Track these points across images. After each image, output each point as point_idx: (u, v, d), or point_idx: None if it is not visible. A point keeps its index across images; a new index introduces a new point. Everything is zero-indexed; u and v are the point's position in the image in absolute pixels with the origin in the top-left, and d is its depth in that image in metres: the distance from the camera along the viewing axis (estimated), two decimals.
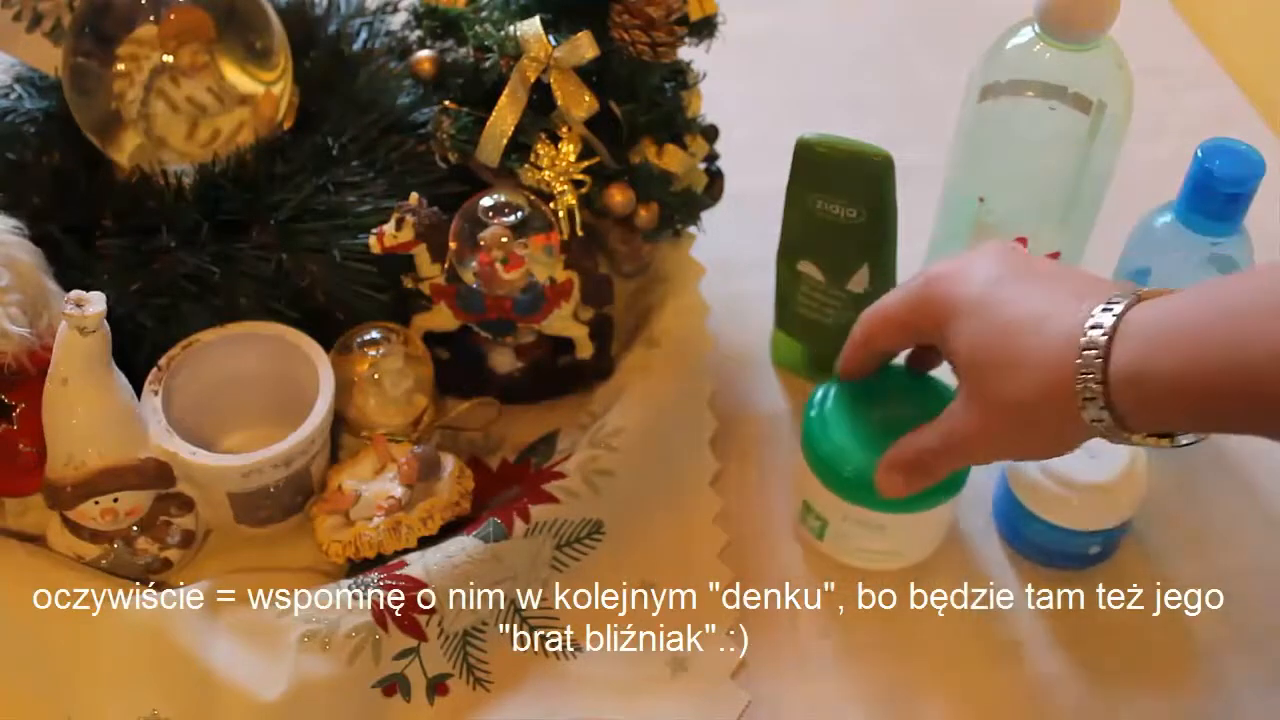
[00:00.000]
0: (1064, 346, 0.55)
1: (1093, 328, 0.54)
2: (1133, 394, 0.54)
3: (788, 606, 0.72)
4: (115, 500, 0.67)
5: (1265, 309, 0.51)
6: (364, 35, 0.85)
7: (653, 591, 0.72)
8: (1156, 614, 0.72)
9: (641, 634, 0.70)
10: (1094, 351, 0.54)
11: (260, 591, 0.68)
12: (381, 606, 0.66)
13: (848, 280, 0.76)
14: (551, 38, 0.72)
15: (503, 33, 0.73)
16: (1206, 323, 0.52)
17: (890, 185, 0.72)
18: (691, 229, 0.82)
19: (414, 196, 0.73)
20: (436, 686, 0.67)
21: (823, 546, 0.73)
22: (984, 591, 0.73)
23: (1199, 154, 0.70)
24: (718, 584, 0.72)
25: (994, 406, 0.59)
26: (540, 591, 0.71)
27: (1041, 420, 0.57)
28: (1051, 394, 0.56)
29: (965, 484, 0.71)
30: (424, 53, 0.78)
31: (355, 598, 0.66)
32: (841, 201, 0.73)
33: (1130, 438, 0.56)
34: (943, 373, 0.76)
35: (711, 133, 0.80)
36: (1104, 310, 0.55)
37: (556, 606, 0.71)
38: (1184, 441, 0.58)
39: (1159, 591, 0.73)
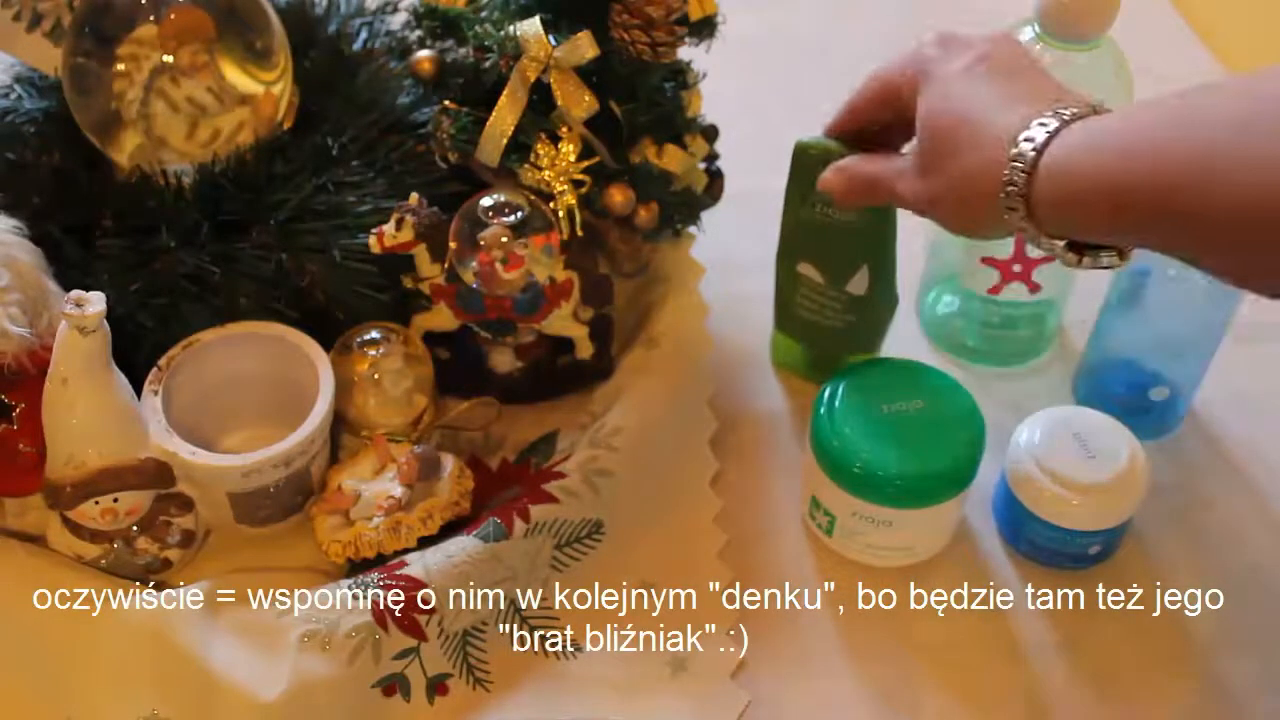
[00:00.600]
0: (1005, 138, 0.57)
1: (1039, 124, 0.56)
2: (1050, 188, 0.55)
3: (788, 606, 0.72)
4: (115, 500, 0.67)
5: (1187, 121, 0.52)
6: (364, 35, 0.85)
7: (653, 591, 0.72)
8: (1156, 614, 0.72)
9: (641, 634, 0.70)
10: (1030, 145, 0.56)
11: (260, 591, 0.68)
12: (381, 606, 0.66)
13: (847, 282, 0.76)
14: (551, 38, 0.72)
15: (503, 33, 0.73)
16: (1133, 130, 0.54)
17: None
18: (691, 229, 0.82)
19: (414, 196, 0.73)
20: (436, 686, 0.67)
21: (831, 542, 0.73)
22: (984, 591, 0.73)
23: None
24: (718, 584, 0.72)
25: (937, 174, 0.61)
26: (540, 591, 0.71)
27: (970, 199, 0.60)
28: (982, 176, 0.58)
29: (973, 480, 0.71)
30: (424, 53, 0.78)
31: (355, 598, 0.66)
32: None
33: (1045, 241, 0.57)
34: (944, 363, 0.76)
35: (711, 133, 0.80)
36: (1055, 114, 0.56)
37: (556, 606, 0.71)
38: (1103, 262, 0.58)
39: (1159, 591, 0.73)
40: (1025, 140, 0.56)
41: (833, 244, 0.75)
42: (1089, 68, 0.72)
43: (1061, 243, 0.58)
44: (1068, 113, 0.56)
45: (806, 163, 0.73)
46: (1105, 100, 0.72)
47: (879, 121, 0.69)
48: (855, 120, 0.69)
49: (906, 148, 0.69)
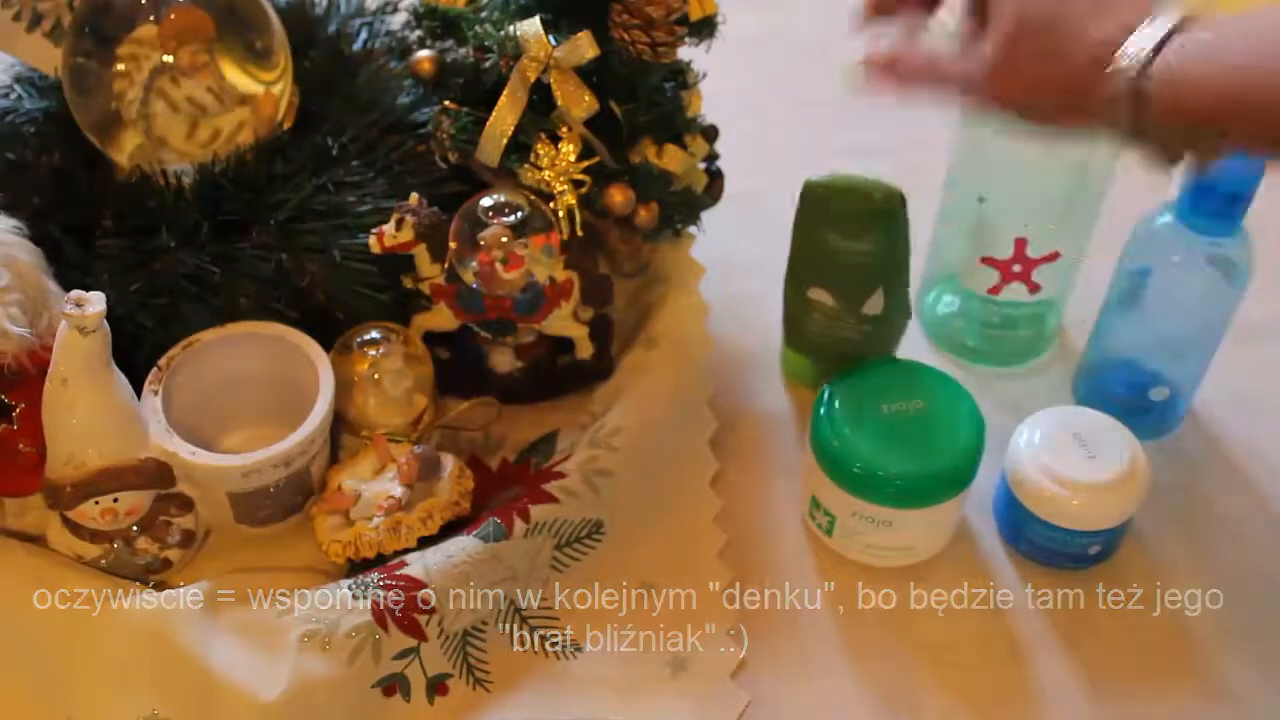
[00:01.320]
0: (1108, 43, 0.55)
1: (1140, 33, 0.55)
2: (1165, 95, 0.54)
3: (788, 606, 0.72)
4: (115, 500, 0.67)
5: None
6: (364, 35, 0.85)
7: (653, 592, 0.72)
8: (1156, 614, 0.72)
9: (641, 634, 0.70)
10: (1137, 48, 0.55)
11: (260, 591, 0.68)
12: (381, 606, 0.66)
13: (862, 305, 0.75)
14: (551, 38, 0.72)
15: (503, 33, 0.73)
16: (1253, 36, 0.53)
17: (902, 220, 0.72)
18: (691, 229, 0.82)
19: (414, 196, 0.73)
20: (436, 686, 0.67)
21: (831, 542, 0.73)
22: (984, 591, 0.73)
23: None
24: (718, 584, 0.72)
25: (1028, 70, 0.58)
26: (540, 591, 0.71)
27: (1068, 105, 0.58)
28: (1084, 80, 0.56)
29: (974, 480, 0.71)
30: (424, 53, 0.78)
31: (355, 598, 0.66)
32: (853, 238, 0.73)
33: (1142, 135, 0.56)
34: (944, 363, 0.76)
35: (711, 133, 0.80)
36: (1156, 22, 0.55)
37: (556, 606, 0.71)
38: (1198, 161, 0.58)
39: (1159, 591, 0.73)
40: (1132, 44, 0.55)
41: (847, 271, 0.75)
42: None
43: (1155, 150, 0.57)
44: (1170, 20, 0.55)
45: (817, 199, 0.73)
46: None
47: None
48: None
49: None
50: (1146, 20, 0.56)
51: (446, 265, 0.74)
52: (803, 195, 0.73)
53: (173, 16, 0.74)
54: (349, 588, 0.67)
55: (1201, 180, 0.70)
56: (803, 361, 0.81)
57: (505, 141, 0.73)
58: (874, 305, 0.75)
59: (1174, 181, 0.72)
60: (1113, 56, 0.55)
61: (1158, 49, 0.55)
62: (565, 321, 0.76)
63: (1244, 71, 0.53)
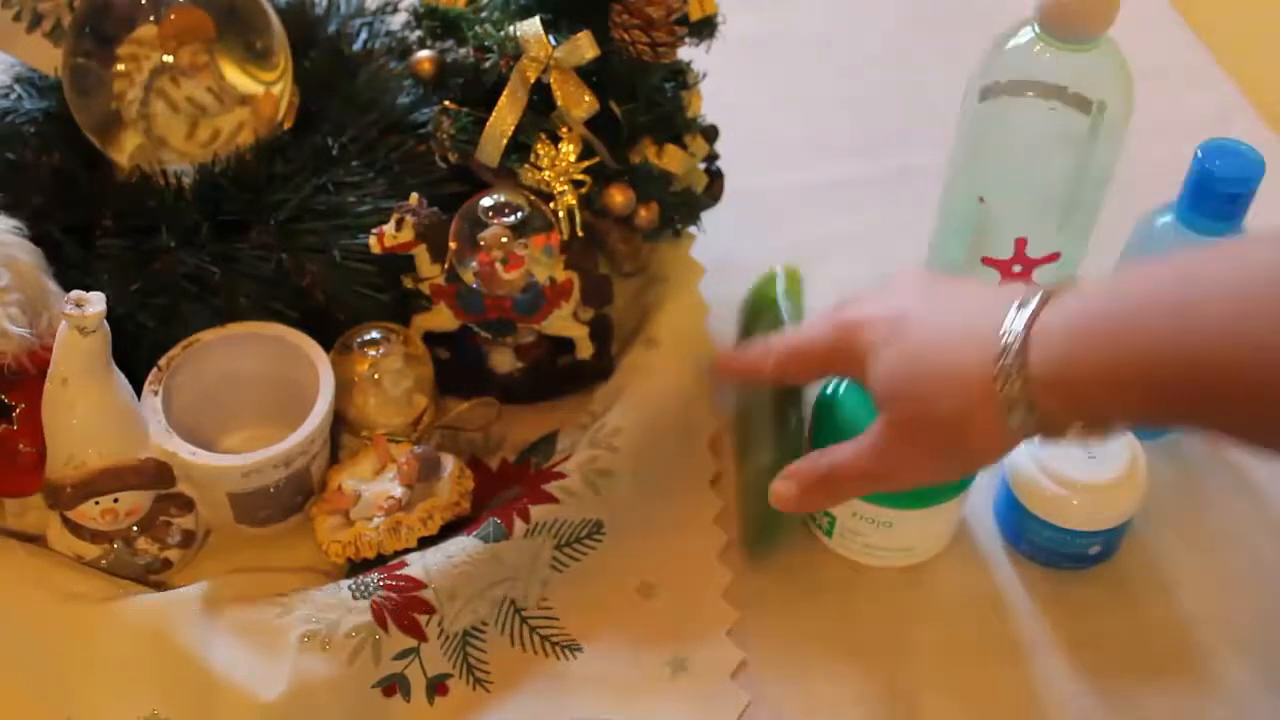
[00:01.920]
0: (981, 359, 0.55)
1: (1005, 334, 0.54)
2: (1061, 392, 0.53)
3: (788, 607, 0.72)
4: (115, 500, 0.67)
5: (1201, 292, 0.50)
6: (364, 35, 0.85)
7: (653, 592, 0.72)
8: (1156, 614, 0.72)
9: (641, 634, 0.70)
10: (1009, 359, 0.54)
11: (260, 591, 0.68)
12: (381, 606, 0.66)
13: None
14: (551, 38, 0.72)
15: (503, 33, 0.73)
16: (1134, 310, 0.52)
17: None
18: (691, 229, 0.82)
19: (414, 196, 0.73)
20: (436, 686, 0.67)
21: (831, 543, 0.73)
22: (984, 591, 0.73)
23: (1199, 154, 0.70)
24: (718, 584, 0.72)
25: (918, 431, 0.59)
26: (540, 591, 0.71)
27: (967, 437, 0.57)
28: (975, 409, 0.55)
29: (974, 480, 0.71)
30: (424, 53, 0.78)
31: (355, 598, 0.66)
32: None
33: (1062, 437, 0.55)
34: None
35: (711, 133, 0.80)
36: (1016, 313, 0.54)
37: (556, 607, 0.71)
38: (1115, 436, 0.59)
39: (1159, 592, 0.73)
40: (1005, 371, 0.54)
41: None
42: (1089, 68, 0.72)
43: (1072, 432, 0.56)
44: (1026, 314, 0.54)
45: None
46: (1105, 100, 0.72)
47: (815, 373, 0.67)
48: (774, 377, 0.68)
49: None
50: (999, 329, 0.54)
51: (446, 265, 0.74)
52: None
53: (173, 16, 0.74)
54: (349, 588, 0.67)
55: (1201, 180, 0.70)
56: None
57: (505, 141, 0.73)
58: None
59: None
60: (990, 384, 0.54)
61: (1024, 363, 0.53)
62: (565, 321, 0.76)
63: (1110, 361, 0.52)
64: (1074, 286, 0.55)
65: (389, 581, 0.67)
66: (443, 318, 0.76)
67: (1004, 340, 0.54)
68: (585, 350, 0.78)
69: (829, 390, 0.72)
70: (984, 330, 0.55)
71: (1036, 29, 0.71)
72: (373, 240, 0.72)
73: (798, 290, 0.75)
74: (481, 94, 0.74)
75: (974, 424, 0.56)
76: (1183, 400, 0.51)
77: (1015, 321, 0.54)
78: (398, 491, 0.70)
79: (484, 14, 0.75)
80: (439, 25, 0.78)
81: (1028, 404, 0.54)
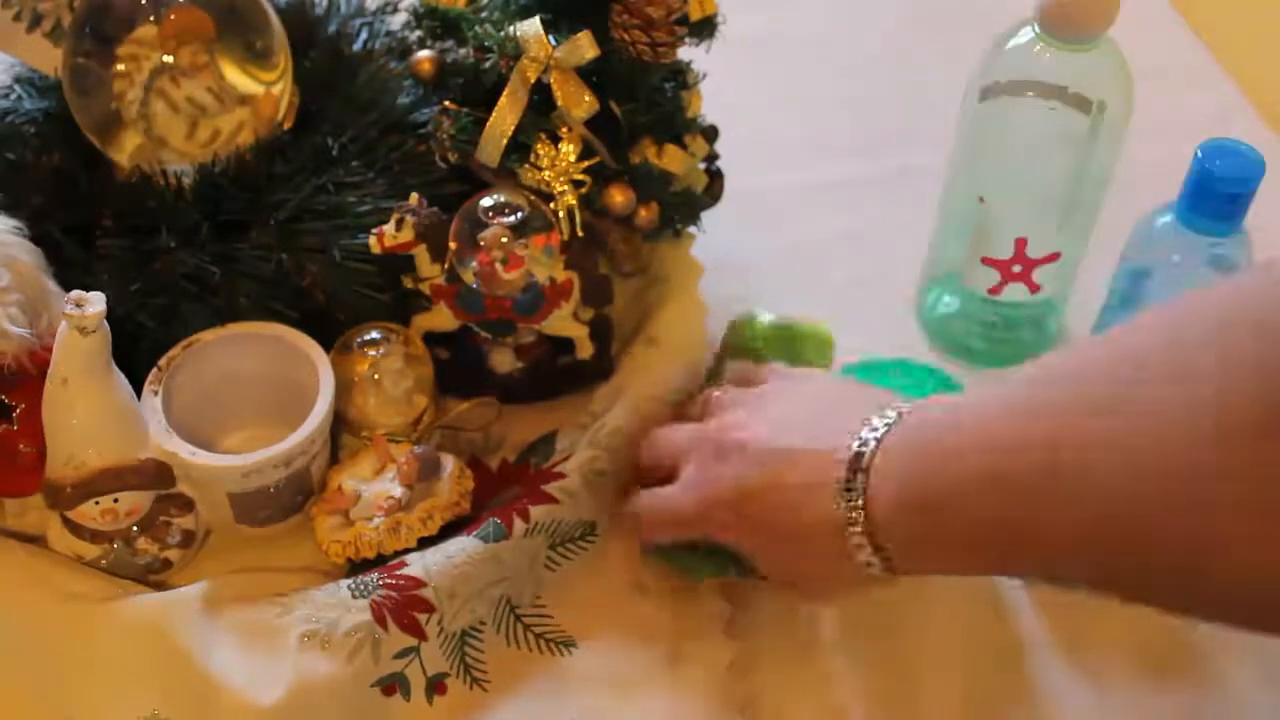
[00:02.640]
0: (829, 512, 0.59)
1: (847, 487, 0.58)
2: (898, 534, 0.58)
3: (783, 601, 0.72)
4: (115, 500, 0.67)
5: (954, 448, 0.55)
6: (364, 35, 0.85)
7: (647, 588, 0.72)
8: (1156, 614, 0.72)
9: (637, 630, 0.70)
10: (853, 508, 0.58)
11: (260, 591, 0.68)
12: (381, 606, 0.66)
13: None
14: (551, 38, 0.72)
15: (503, 33, 0.73)
16: (927, 457, 0.56)
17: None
18: (691, 229, 0.82)
19: (414, 196, 0.73)
20: (435, 686, 0.67)
21: None
22: (984, 591, 0.73)
23: (1199, 154, 0.70)
24: (711, 580, 0.72)
25: (784, 577, 0.65)
26: (536, 590, 0.71)
27: (824, 581, 0.64)
28: (830, 560, 0.60)
29: None
30: (424, 53, 0.78)
31: (355, 597, 0.66)
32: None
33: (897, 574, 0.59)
34: (944, 363, 0.76)
35: (711, 133, 0.80)
36: (853, 458, 0.58)
37: (550, 605, 0.71)
38: None
39: None
40: (850, 522, 0.58)
41: None
42: (1089, 68, 0.72)
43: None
44: (859, 466, 0.58)
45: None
46: (1105, 100, 0.72)
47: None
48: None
49: None
50: (841, 479, 0.58)
51: (446, 265, 0.74)
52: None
53: (173, 16, 0.74)
54: (349, 588, 0.67)
55: (1201, 180, 0.70)
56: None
57: (505, 141, 0.73)
58: None
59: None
60: (841, 536, 0.58)
61: (864, 504, 0.57)
62: (565, 321, 0.76)
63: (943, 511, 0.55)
64: (916, 412, 0.59)
65: (389, 581, 0.67)
66: (443, 318, 0.76)
67: (847, 497, 0.58)
68: (585, 350, 0.78)
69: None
70: (827, 487, 0.59)
71: (1036, 29, 0.71)
72: (373, 240, 0.72)
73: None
74: (481, 94, 0.74)
75: (831, 571, 0.61)
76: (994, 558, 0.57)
77: (849, 474, 0.58)
78: (398, 491, 0.70)
79: (484, 14, 0.75)
80: (439, 25, 0.78)
81: (873, 547, 0.58)
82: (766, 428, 0.63)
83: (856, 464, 0.58)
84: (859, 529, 0.58)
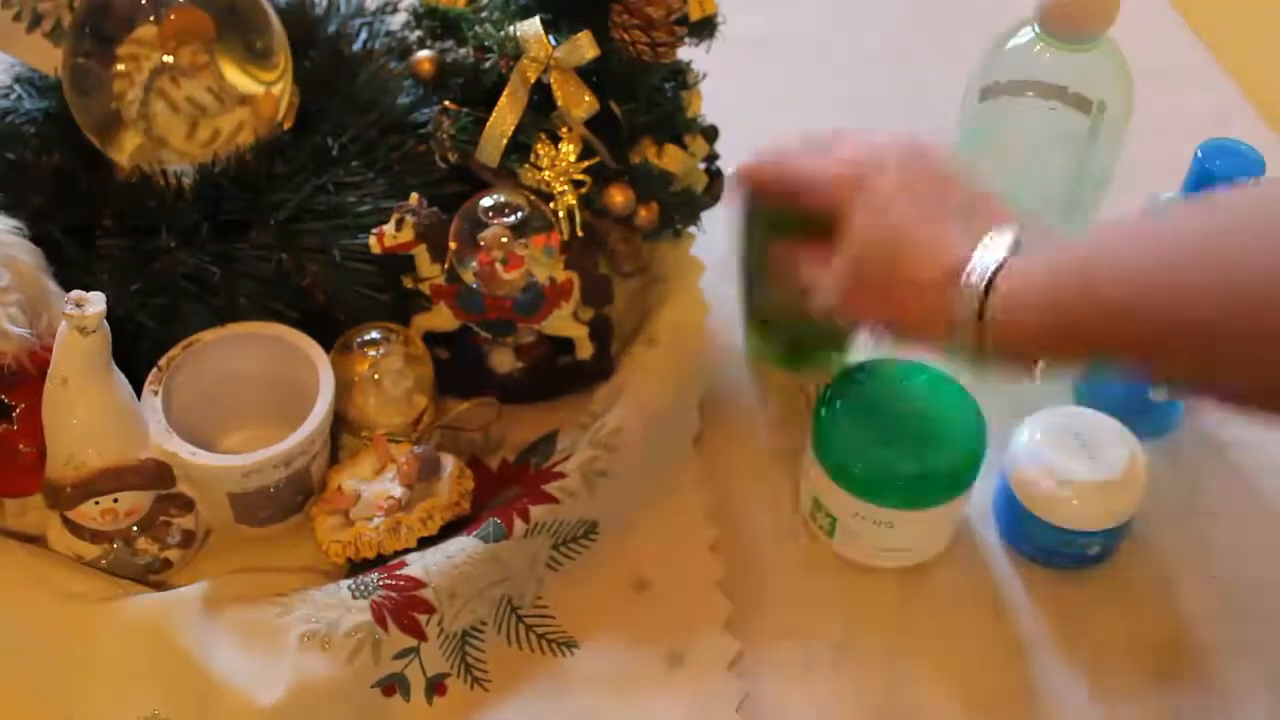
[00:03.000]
0: (950, 265, 0.58)
1: (984, 250, 0.57)
2: (1003, 315, 0.57)
3: (787, 606, 0.72)
4: (115, 500, 0.67)
5: (1146, 238, 0.54)
6: (364, 35, 0.85)
7: (647, 587, 0.72)
8: (1156, 614, 0.72)
9: (637, 629, 0.70)
10: (979, 275, 0.57)
11: (260, 591, 0.68)
12: (381, 606, 0.66)
13: None
14: (551, 38, 0.72)
15: (503, 33, 0.73)
16: (1084, 256, 0.56)
17: None
18: (691, 229, 0.82)
19: (414, 196, 0.73)
20: (435, 686, 0.67)
21: (832, 544, 0.73)
22: (984, 591, 0.73)
23: (1199, 154, 0.70)
24: (711, 577, 0.72)
25: (875, 287, 0.62)
26: (535, 590, 0.71)
27: (913, 320, 0.61)
28: (927, 300, 0.59)
29: (974, 481, 0.71)
30: (424, 53, 0.78)
31: (355, 597, 0.66)
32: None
33: (986, 359, 0.58)
34: (947, 365, 0.76)
35: (711, 133, 0.80)
36: (996, 240, 0.58)
37: (552, 605, 0.71)
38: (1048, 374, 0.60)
39: (1158, 591, 0.73)
40: (974, 270, 0.57)
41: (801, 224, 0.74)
42: (1089, 68, 0.72)
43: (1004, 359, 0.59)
44: (1008, 238, 0.57)
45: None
46: (1105, 100, 0.72)
47: (795, 194, 0.67)
48: (783, 180, 0.68)
49: None
50: (980, 249, 0.58)
51: (446, 265, 0.74)
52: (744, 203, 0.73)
53: (173, 16, 0.74)
54: (349, 588, 0.67)
55: (1201, 180, 0.70)
56: (766, 338, 0.81)
57: (505, 141, 0.73)
58: None
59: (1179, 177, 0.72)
60: (950, 291, 0.58)
61: (991, 281, 0.57)
62: (565, 321, 0.76)
63: (1067, 309, 0.55)
64: (1045, 234, 0.58)
65: (389, 581, 0.67)
66: (443, 318, 0.76)
67: (976, 264, 0.57)
68: (585, 350, 0.78)
69: (828, 396, 0.72)
70: (961, 242, 0.58)
71: (1036, 29, 0.71)
72: (373, 240, 0.72)
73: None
74: (481, 94, 0.74)
75: (922, 313, 0.60)
76: (1116, 336, 0.55)
77: (986, 255, 0.57)
78: (398, 491, 0.70)
79: (484, 14, 0.75)
80: (439, 25, 0.78)
81: (975, 324, 0.57)
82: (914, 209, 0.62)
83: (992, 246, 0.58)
84: (976, 289, 0.57)
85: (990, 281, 0.57)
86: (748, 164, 0.69)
